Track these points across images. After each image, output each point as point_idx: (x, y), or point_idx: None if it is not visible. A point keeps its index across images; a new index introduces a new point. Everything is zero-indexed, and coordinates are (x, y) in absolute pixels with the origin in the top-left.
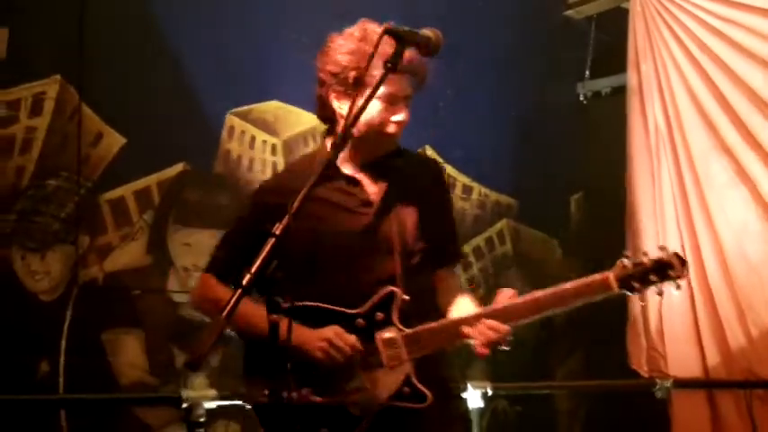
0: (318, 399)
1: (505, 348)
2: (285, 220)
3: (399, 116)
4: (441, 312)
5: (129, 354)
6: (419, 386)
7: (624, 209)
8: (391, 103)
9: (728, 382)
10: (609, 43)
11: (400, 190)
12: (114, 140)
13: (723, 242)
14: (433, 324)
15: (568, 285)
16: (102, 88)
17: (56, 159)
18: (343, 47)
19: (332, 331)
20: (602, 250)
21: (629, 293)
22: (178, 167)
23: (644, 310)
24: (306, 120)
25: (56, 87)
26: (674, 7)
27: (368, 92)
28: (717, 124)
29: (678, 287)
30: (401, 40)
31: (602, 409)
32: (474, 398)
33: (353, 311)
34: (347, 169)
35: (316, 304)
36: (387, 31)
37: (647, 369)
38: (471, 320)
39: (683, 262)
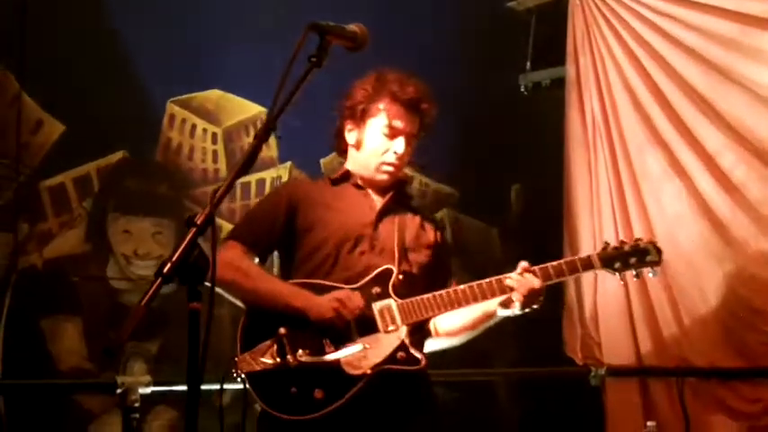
0: (315, 359)
1: (536, 307)
2: (206, 211)
3: (397, 148)
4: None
5: (68, 340)
6: (412, 351)
7: (562, 199)
8: (392, 135)
9: (661, 369)
10: (550, 35)
11: (402, 206)
12: (54, 128)
13: (657, 234)
14: (427, 295)
15: (561, 261)
16: (42, 75)
17: None
18: (360, 85)
19: (343, 293)
20: (540, 239)
21: (610, 273)
22: (118, 155)
23: (579, 298)
24: (247, 109)
25: None
26: (612, 1)
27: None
28: (653, 117)
29: (655, 273)
30: (326, 34)
31: (539, 396)
32: None
33: (352, 286)
34: (358, 180)
35: (318, 281)
36: (311, 26)
37: (582, 356)
38: (467, 289)
39: (659, 250)
